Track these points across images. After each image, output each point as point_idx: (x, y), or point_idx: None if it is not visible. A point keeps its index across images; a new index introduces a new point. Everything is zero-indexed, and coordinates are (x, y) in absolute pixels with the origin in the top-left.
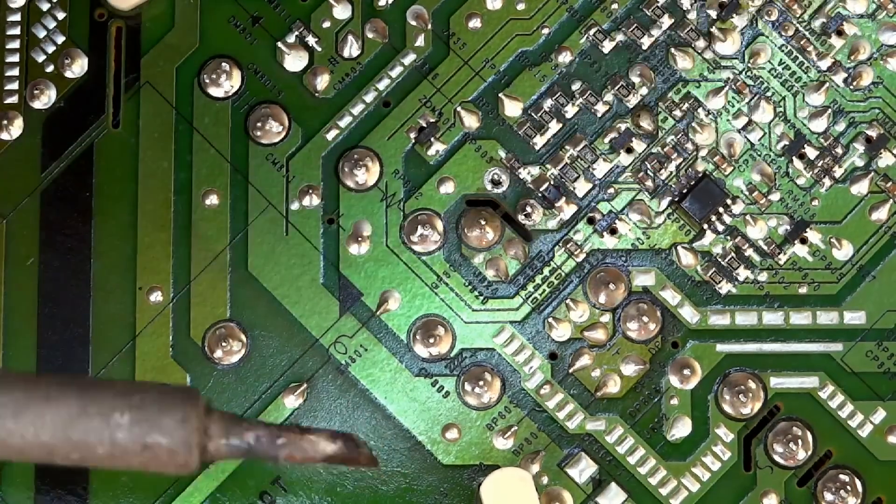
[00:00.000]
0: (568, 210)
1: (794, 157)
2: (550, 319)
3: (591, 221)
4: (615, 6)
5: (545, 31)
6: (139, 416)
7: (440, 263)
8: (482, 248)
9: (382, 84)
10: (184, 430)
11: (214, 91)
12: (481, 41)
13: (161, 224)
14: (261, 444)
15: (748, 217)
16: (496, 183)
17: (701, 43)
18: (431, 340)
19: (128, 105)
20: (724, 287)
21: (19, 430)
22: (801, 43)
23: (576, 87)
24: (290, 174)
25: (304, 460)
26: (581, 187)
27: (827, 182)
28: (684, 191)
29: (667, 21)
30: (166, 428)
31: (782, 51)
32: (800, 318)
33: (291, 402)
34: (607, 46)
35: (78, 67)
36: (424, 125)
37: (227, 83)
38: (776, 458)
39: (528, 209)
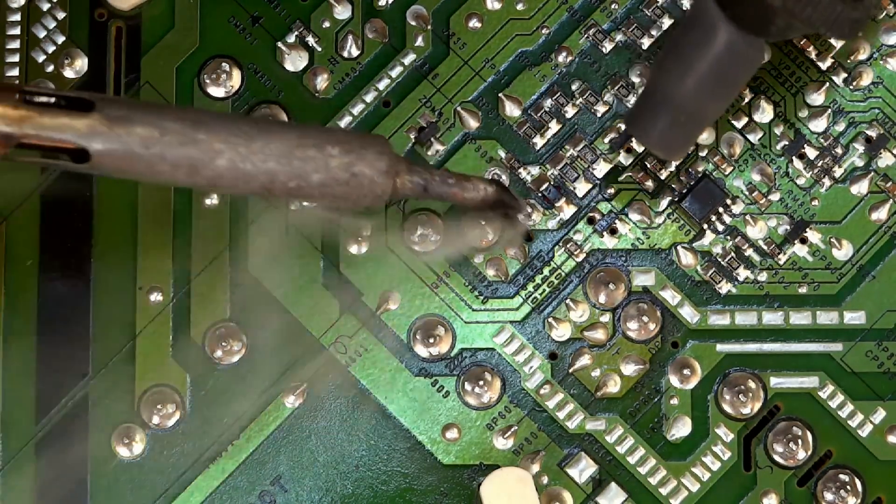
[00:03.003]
0: (568, 210)
1: (793, 157)
2: (550, 319)
3: (591, 221)
4: (615, 6)
5: (545, 31)
6: (346, 148)
7: (440, 263)
8: (482, 248)
9: (382, 84)
10: (383, 161)
11: (214, 91)
12: (481, 41)
13: (161, 224)
14: (435, 183)
15: (748, 217)
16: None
17: None
18: (431, 340)
19: None
20: (724, 287)
21: (251, 156)
22: (801, 42)
23: (576, 87)
24: None
25: (466, 200)
26: (581, 187)
27: (827, 182)
28: (684, 191)
29: (667, 21)
30: (369, 159)
31: (782, 50)
32: (800, 318)
33: (291, 401)
34: (607, 46)
35: (78, 67)
36: (424, 125)
37: (227, 83)
38: (776, 457)
39: (528, 209)
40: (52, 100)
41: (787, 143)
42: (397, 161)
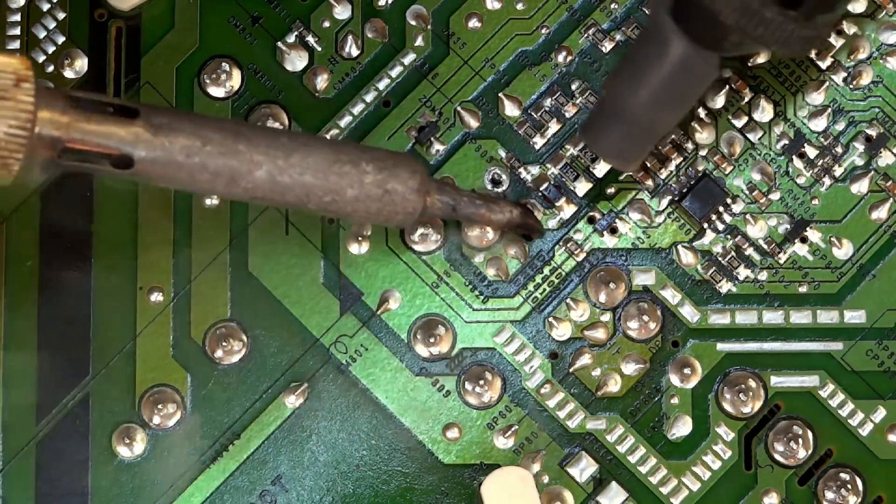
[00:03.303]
0: (568, 209)
1: (793, 157)
2: (551, 319)
3: (591, 221)
4: (614, 6)
5: (545, 30)
6: (380, 165)
7: (440, 263)
8: (482, 248)
9: (382, 84)
10: (415, 180)
11: (214, 91)
12: (481, 41)
13: (161, 224)
14: (464, 204)
15: (748, 216)
16: (496, 182)
17: None
18: (432, 340)
19: None
20: (725, 286)
21: (289, 170)
22: None
23: (575, 86)
24: None
25: (492, 222)
26: (581, 186)
27: (827, 181)
28: (684, 190)
29: None
30: (402, 177)
31: None
32: (800, 317)
33: (292, 401)
34: (607, 46)
35: (78, 67)
36: (425, 125)
37: (227, 83)
38: (777, 456)
39: (529, 208)
40: (99, 106)
41: (787, 142)
42: (429, 180)
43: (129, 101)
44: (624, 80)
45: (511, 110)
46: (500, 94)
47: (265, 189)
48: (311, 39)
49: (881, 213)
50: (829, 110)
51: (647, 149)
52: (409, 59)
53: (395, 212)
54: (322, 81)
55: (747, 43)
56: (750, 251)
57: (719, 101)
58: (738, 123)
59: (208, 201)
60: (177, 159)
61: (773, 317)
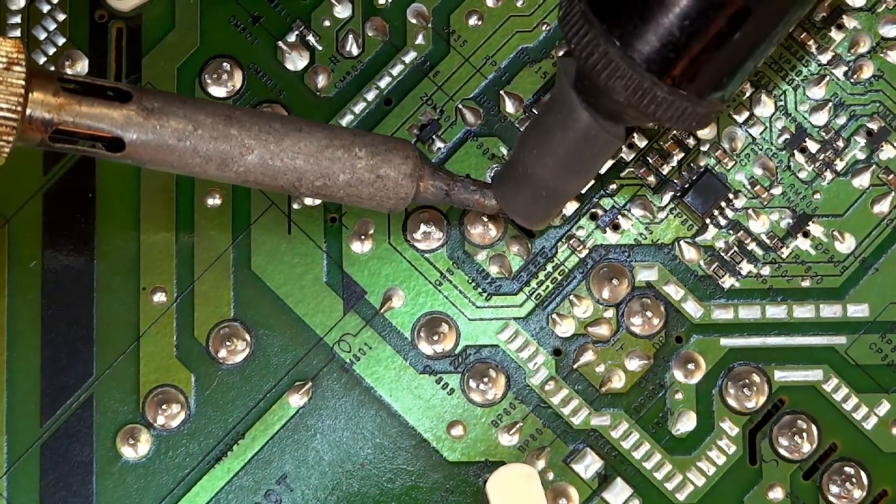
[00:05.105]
0: (570, 206)
1: (795, 151)
2: (554, 315)
3: (593, 217)
4: None
5: (545, 27)
6: (373, 150)
7: (443, 261)
8: (485, 245)
9: (384, 82)
10: (408, 165)
11: (216, 91)
12: (482, 38)
13: (164, 224)
14: (457, 189)
15: (750, 211)
16: None
17: None
18: (435, 338)
19: None
20: (727, 281)
21: (281, 154)
22: (801, 37)
23: None
24: None
25: (486, 207)
26: None
27: (828, 175)
28: (686, 185)
29: None
30: (394, 162)
31: (782, 45)
32: (803, 312)
33: (296, 400)
34: None
35: (79, 68)
36: (426, 123)
37: (228, 83)
38: (781, 451)
39: None
40: (90, 89)
41: (788, 136)
42: (421, 165)
43: (123, 84)
44: (531, 148)
45: (512, 107)
46: (501, 92)
47: (257, 173)
48: (311, 38)
49: (883, 207)
50: (830, 104)
51: (555, 210)
52: (409, 57)
53: (387, 197)
54: (323, 80)
55: (644, 118)
56: (752, 246)
57: None
58: (740, 118)
59: (210, 201)
60: (168, 142)
61: (776, 311)
